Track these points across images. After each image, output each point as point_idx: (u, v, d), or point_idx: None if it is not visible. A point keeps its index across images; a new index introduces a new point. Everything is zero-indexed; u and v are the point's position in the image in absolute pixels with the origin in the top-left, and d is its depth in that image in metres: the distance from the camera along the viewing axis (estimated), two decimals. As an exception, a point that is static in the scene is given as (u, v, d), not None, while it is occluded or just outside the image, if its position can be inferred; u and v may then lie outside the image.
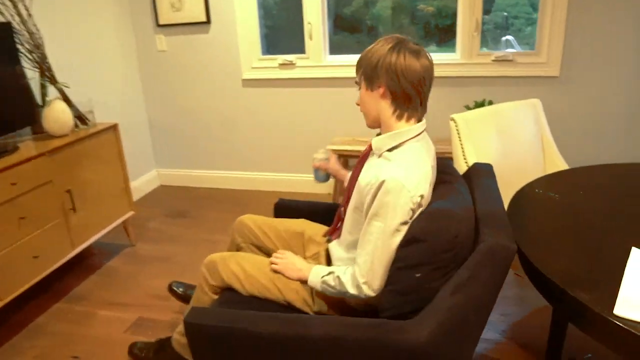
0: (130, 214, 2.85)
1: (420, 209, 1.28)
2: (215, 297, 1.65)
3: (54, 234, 2.31)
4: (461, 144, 1.94)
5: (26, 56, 2.45)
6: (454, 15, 3.04)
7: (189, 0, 3.28)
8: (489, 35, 3.13)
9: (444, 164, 1.57)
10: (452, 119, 1.97)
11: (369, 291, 1.32)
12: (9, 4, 2.40)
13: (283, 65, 3.30)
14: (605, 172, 1.86)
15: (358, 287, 1.33)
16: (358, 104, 1.42)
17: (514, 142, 2.09)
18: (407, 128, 1.34)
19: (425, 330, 1.23)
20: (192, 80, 3.53)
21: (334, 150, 3.07)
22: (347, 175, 1.81)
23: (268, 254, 1.78)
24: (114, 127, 2.69)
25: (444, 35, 3.22)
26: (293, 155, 3.54)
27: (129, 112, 3.53)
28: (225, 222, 3.19)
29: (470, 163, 1.91)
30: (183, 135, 3.72)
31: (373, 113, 1.38)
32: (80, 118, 2.61)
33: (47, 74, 2.53)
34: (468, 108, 3.01)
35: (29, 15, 2.44)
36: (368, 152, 1.47)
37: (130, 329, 2.17)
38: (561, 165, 2.15)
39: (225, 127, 3.60)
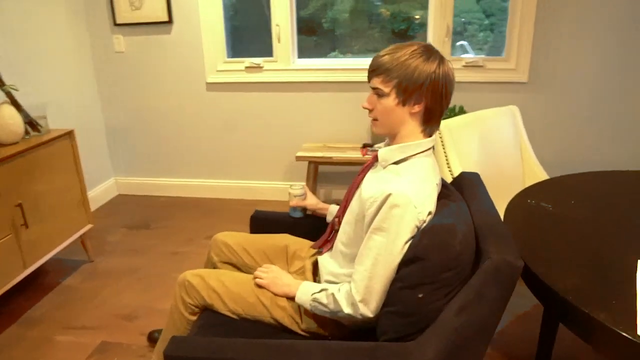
0: (88, 227, 2.64)
1: (423, 225, 1.21)
2: (193, 318, 1.52)
3: (3, 253, 2.10)
4: (445, 152, 1.89)
5: (-32, 56, 2.22)
6: (409, 20, 3.04)
7: (149, -1, 3.10)
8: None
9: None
10: (435, 126, 1.92)
11: (365, 310, 1.24)
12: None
13: (250, 69, 3.18)
14: (591, 180, 1.86)
15: (354, 305, 1.24)
16: (369, 109, 1.30)
17: (494, 149, 2.07)
18: (417, 142, 1.27)
19: (430, 353, 1.16)
20: (153, 83, 3.34)
21: (304, 157, 2.99)
22: (328, 208, 1.78)
23: (249, 272, 1.66)
24: (69, 134, 2.48)
25: (400, 40, 3.21)
26: (260, 162, 3.42)
27: (84, 116, 3.30)
28: (191, 232, 3.03)
29: (455, 172, 1.86)
30: (143, 142, 3.52)
31: (394, 126, 1.28)
32: (31, 124, 2.39)
33: (-8, 76, 2.30)
34: (440, 113, 2.99)
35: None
36: (371, 162, 1.39)
37: (94, 356, 1.99)
38: (539, 171, 2.15)
39: (188, 132, 3.43)
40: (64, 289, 2.47)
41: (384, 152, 1.31)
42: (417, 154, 1.27)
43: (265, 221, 1.95)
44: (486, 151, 2.02)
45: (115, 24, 3.21)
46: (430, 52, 1.22)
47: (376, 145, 1.43)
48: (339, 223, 1.47)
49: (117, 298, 2.38)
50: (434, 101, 1.23)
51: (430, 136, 1.30)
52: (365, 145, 3.05)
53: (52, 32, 2.97)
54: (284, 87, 3.19)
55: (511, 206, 1.61)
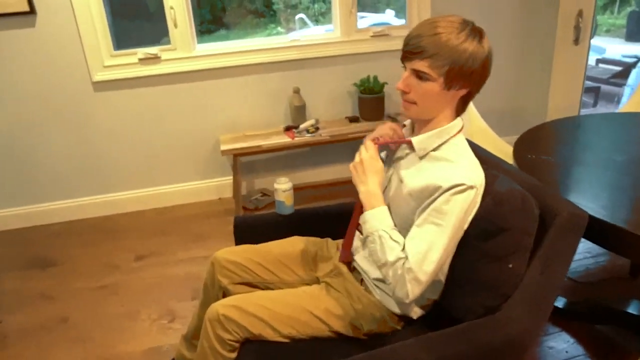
0: (-12, 280, 2.08)
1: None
2: (233, 355, 1.30)
3: None
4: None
5: None
6: None
7: (-4, -15, 2.47)
8: (281, 16, 3.11)
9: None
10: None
11: (416, 291, 1.12)
12: None
13: (145, 60, 2.77)
14: (559, 127, 2.04)
15: (412, 281, 1.11)
16: (405, 91, 1.19)
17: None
18: (451, 124, 1.22)
19: (525, 318, 1.17)
20: (16, 89, 2.70)
21: (230, 150, 2.75)
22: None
23: (269, 288, 1.48)
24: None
25: (233, 18, 3.07)
26: (170, 163, 3.05)
27: None
28: (113, 257, 2.59)
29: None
30: (14, 162, 2.86)
31: (434, 110, 1.20)
32: None
33: None
34: (356, 85, 3.00)
35: None
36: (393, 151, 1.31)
37: None
38: (484, 126, 2.28)
39: (78, 142, 2.88)
40: (-23, 366, 1.93)
41: (421, 141, 1.23)
42: (453, 136, 1.23)
43: (250, 227, 1.75)
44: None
45: (-48, 20, 2.51)
46: (476, 31, 1.14)
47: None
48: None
49: (57, 357, 1.93)
50: (478, 86, 1.19)
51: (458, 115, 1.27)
52: (289, 128, 2.92)
53: None
54: (187, 77, 2.86)
55: (519, 165, 1.67)
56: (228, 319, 1.27)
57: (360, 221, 1.24)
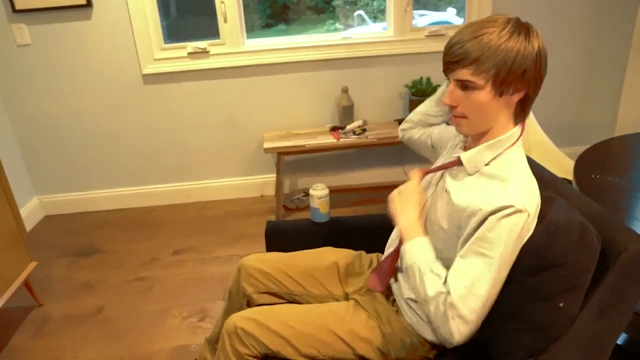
0: (32, 265, 2.13)
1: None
2: (251, 372, 1.23)
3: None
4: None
5: None
6: None
7: (56, -22, 2.54)
8: (340, 12, 3.00)
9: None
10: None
11: (464, 331, 1.02)
12: None
13: (193, 54, 2.77)
14: (626, 143, 1.83)
15: (456, 318, 1.01)
16: (453, 105, 1.07)
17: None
18: (507, 134, 1.08)
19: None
20: (73, 80, 2.78)
21: (274, 149, 2.70)
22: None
23: (295, 301, 1.40)
24: (-9, 155, 1.95)
25: (292, 13, 2.98)
26: (214, 158, 3.05)
27: (-12, 129, 2.67)
28: (152, 250, 2.61)
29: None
30: (68, 151, 2.95)
31: (488, 122, 1.07)
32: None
33: None
34: (407, 87, 2.86)
35: None
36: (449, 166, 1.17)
37: None
38: (543, 138, 2.10)
39: (126, 133, 2.93)
40: (12, 352, 1.97)
41: (470, 157, 1.10)
42: (507, 148, 1.08)
43: (283, 233, 1.68)
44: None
45: (15, 11, 2.59)
46: (521, 27, 1.01)
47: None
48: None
49: (89, 351, 1.94)
50: (535, 87, 1.04)
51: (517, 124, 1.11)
52: (335, 128, 2.83)
53: None
54: (235, 72, 2.83)
55: (578, 184, 1.50)
56: (246, 333, 1.20)
57: (401, 253, 1.16)
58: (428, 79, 2.84)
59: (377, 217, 1.69)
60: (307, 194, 3.07)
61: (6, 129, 2.83)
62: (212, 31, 2.78)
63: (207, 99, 2.89)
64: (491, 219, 1.00)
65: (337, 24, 3.01)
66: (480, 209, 1.02)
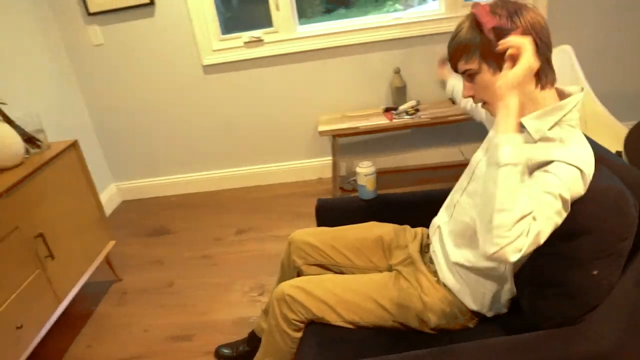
0: (111, 244, 2.37)
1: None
2: (298, 335, 1.33)
3: (35, 291, 1.83)
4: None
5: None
6: None
7: (123, -20, 2.74)
8: None
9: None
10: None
11: (520, 250, 0.93)
12: None
13: (249, 44, 2.89)
14: None
15: (531, 239, 0.93)
16: (471, 95, 1.13)
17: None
18: (556, 104, 1.07)
19: (610, 335, 1.02)
20: (141, 74, 3.01)
21: (328, 131, 2.78)
22: None
23: (341, 272, 1.48)
24: (73, 146, 2.18)
25: None
26: (273, 142, 3.18)
27: (70, 122, 2.95)
28: (216, 230, 2.79)
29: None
30: (139, 140, 3.20)
31: None
32: (29, 140, 2.08)
33: (-27, 92, 1.97)
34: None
35: None
36: None
37: (165, 388, 1.79)
38: (600, 110, 2.01)
39: (189, 122, 3.14)
40: (100, 318, 2.22)
41: (533, 122, 1.08)
42: (565, 115, 1.07)
43: (332, 209, 1.76)
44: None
45: (89, 14, 2.84)
46: (500, 8, 1.04)
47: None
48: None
49: (161, 318, 2.15)
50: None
51: (552, 86, 1.10)
52: (388, 109, 2.85)
53: (17, 34, 2.59)
54: (289, 59, 2.93)
55: (629, 157, 1.46)
56: (294, 300, 1.30)
57: (496, 139, 0.98)
58: (482, 55, 2.78)
59: (422, 193, 1.73)
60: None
61: (86, 122, 3.11)
62: (266, 20, 2.88)
63: (264, 85, 3.01)
64: (553, 164, 1.00)
65: (397, 5, 3.00)
66: (539, 160, 1.02)
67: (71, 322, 2.21)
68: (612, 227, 1.00)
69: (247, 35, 2.88)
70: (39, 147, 2.10)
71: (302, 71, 2.96)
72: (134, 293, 2.36)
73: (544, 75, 1.07)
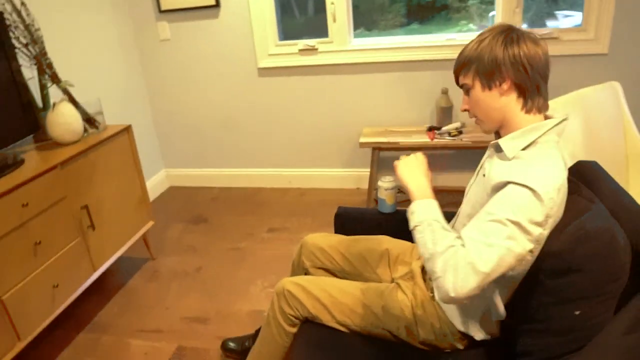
0: (150, 224, 2.55)
1: (551, 222, 1.06)
2: (293, 330, 1.40)
3: (73, 257, 2.01)
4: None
5: (22, 51, 2.11)
6: None
7: (194, -18, 2.94)
8: (475, 12, 2.93)
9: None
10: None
11: (469, 271, 0.99)
12: (-2, -10, 2.05)
13: (304, 51, 3.01)
14: None
15: (471, 271, 0.99)
16: (466, 110, 1.23)
17: (596, 129, 1.87)
18: (535, 125, 1.14)
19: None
20: (201, 71, 3.20)
21: (368, 144, 2.83)
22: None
23: (345, 279, 1.53)
24: (127, 130, 2.37)
25: (425, 13, 3.00)
26: (317, 149, 3.27)
27: (132, 108, 3.19)
28: (249, 226, 2.91)
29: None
30: (192, 131, 3.40)
31: (495, 114, 1.18)
32: (89, 121, 2.28)
33: (47, 72, 2.19)
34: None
35: (22, 3, 2.09)
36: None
37: (174, 363, 1.91)
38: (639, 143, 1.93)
39: (240, 120, 3.30)
40: (130, 291, 2.39)
41: (505, 141, 1.17)
42: (540, 136, 1.13)
43: (350, 219, 1.81)
44: (589, 132, 1.83)
45: (160, 11, 3.07)
46: (503, 31, 1.14)
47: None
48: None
49: (185, 299, 2.29)
50: (519, 76, 1.12)
51: (540, 112, 1.16)
52: (431, 128, 2.87)
53: (96, 24, 2.84)
54: (340, 69, 3.01)
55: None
56: (292, 296, 1.37)
57: (408, 213, 1.17)
58: (534, 84, 2.73)
59: (445, 215, 1.74)
60: (401, 191, 3.14)
61: (146, 110, 3.35)
62: (322, 30, 2.99)
63: (313, 92, 3.11)
64: (505, 188, 1.06)
65: (470, 24, 3.00)
66: (499, 181, 1.08)
67: (104, 290, 2.40)
68: (601, 268, 1.00)
69: (302, 43, 2.99)
70: (96, 127, 2.30)
71: (351, 82, 3.04)
72: (164, 273, 2.51)
73: (530, 100, 1.14)
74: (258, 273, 2.45)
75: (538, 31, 2.74)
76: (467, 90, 1.21)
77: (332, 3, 2.86)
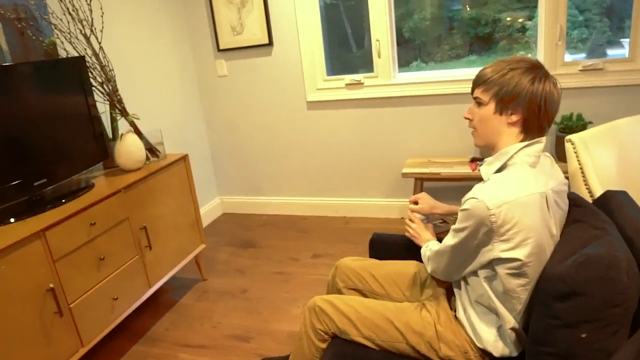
0: (201, 247, 2.74)
1: (523, 240, 1.16)
2: (323, 345, 1.49)
3: (132, 273, 2.22)
4: (581, 169, 1.73)
5: (97, 89, 2.39)
6: (493, 23, 2.96)
7: (250, 23, 3.20)
8: (533, 42, 2.95)
9: (576, 199, 1.39)
10: (569, 140, 1.76)
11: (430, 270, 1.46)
12: (81, 37, 2.36)
13: (350, 86, 3.16)
14: None
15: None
16: (469, 118, 1.33)
17: (630, 159, 1.86)
18: (511, 146, 1.24)
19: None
20: (254, 104, 3.44)
21: (411, 174, 2.90)
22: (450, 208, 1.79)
23: (374, 299, 1.61)
24: (184, 158, 2.60)
25: (483, 44, 3.07)
26: (362, 179, 3.38)
27: (191, 139, 3.46)
28: (294, 251, 3.04)
29: (594, 190, 1.69)
30: (246, 161, 3.62)
31: (492, 136, 1.29)
32: (150, 150, 2.53)
33: (117, 107, 2.46)
34: (556, 123, 2.79)
35: (100, 47, 2.39)
36: None
37: (216, 376, 2.03)
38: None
39: (290, 151, 3.48)
40: (181, 308, 2.56)
41: (484, 167, 1.30)
42: (509, 159, 1.23)
43: (384, 243, 1.90)
44: (625, 163, 1.82)
45: (219, 50, 3.35)
46: (533, 68, 1.23)
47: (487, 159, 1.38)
48: None
49: (230, 318, 2.43)
50: (530, 113, 1.22)
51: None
52: (474, 159, 2.91)
53: (162, 62, 3.15)
54: (384, 103, 3.14)
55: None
56: (322, 311, 1.47)
57: (423, 251, 1.55)
58: (579, 115, 2.73)
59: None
60: (444, 221, 3.17)
61: (203, 140, 3.61)
62: (367, 65, 3.14)
63: (359, 125, 3.24)
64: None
65: (530, 55, 3.06)
66: (465, 199, 1.22)
67: (158, 306, 2.59)
68: (601, 293, 1.03)
69: (349, 78, 3.15)
70: (157, 156, 2.54)
71: (396, 115, 3.15)
72: (213, 293, 2.68)
73: (529, 139, 1.25)
74: (300, 295, 2.56)
75: (584, 62, 2.74)
76: (479, 103, 1.29)
77: (377, 40, 3.01)
